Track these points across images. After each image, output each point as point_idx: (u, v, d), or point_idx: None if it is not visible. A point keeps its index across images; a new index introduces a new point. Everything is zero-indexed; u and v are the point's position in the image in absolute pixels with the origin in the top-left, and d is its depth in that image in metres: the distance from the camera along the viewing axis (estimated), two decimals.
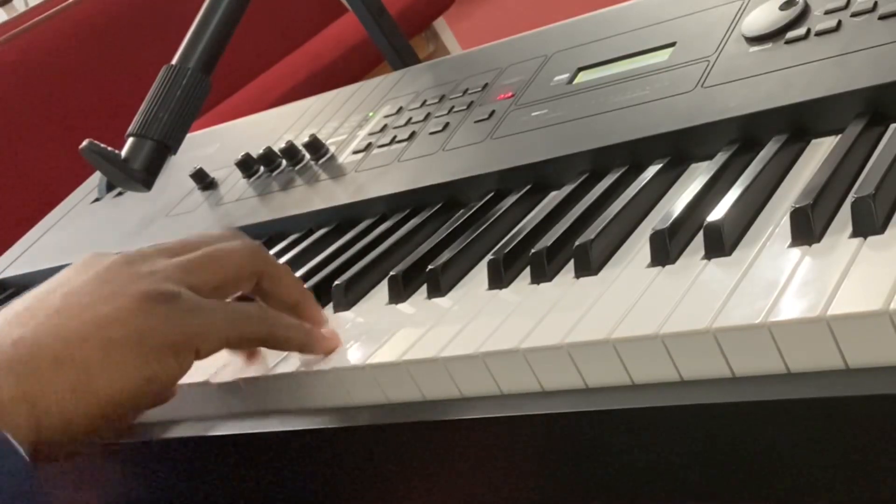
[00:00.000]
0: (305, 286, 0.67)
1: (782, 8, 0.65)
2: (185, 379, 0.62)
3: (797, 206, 0.49)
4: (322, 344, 0.59)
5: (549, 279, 0.56)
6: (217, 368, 0.64)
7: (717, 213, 0.52)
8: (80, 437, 0.52)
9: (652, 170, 0.62)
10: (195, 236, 0.61)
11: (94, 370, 0.52)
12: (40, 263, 1.09)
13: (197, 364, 0.61)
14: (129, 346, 0.52)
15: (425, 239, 0.69)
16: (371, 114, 0.91)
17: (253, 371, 0.62)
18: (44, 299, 0.54)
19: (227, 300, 0.60)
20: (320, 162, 0.88)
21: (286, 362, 0.61)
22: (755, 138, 0.60)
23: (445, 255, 0.63)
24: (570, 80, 0.74)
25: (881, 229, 0.46)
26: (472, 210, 0.70)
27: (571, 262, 0.56)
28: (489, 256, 0.60)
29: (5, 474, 0.47)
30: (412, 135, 0.82)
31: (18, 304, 0.55)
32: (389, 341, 0.57)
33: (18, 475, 0.48)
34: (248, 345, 0.59)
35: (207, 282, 0.57)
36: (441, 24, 2.88)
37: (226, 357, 0.64)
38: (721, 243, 0.51)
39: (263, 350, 0.63)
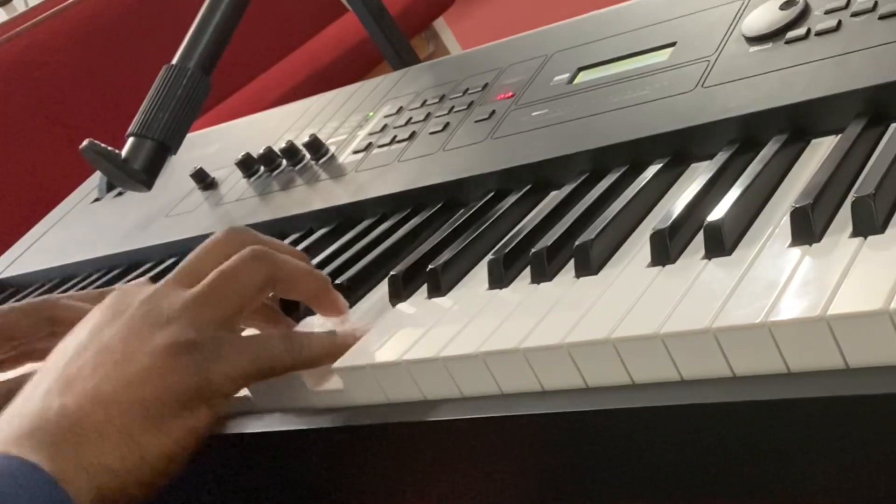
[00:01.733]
0: None
1: (782, 8, 0.65)
2: None
3: (797, 206, 0.49)
4: (348, 347, 0.59)
5: (550, 279, 0.56)
6: None
7: (717, 212, 0.52)
8: (138, 496, 0.53)
9: (652, 170, 0.62)
10: (202, 251, 0.61)
11: (137, 435, 0.53)
12: (40, 263, 1.09)
13: None
14: (163, 405, 0.53)
15: (425, 239, 0.69)
16: (371, 114, 0.91)
17: None
18: (78, 358, 0.55)
19: (253, 331, 0.60)
20: (320, 162, 0.88)
21: None
22: (755, 138, 0.60)
23: (445, 255, 0.63)
24: (570, 80, 0.74)
25: (881, 229, 0.46)
26: (472, 210, 0.70)
27: (571, 262, 0.56)
28: (489, 256, 0.60)
29: None
30: (412, 135, 0.82)
31: (57, 364, 0.56)
32: (389, 341, 0.57)
33: None
34: (276, 374, 0.59)
35: (225, 310, 0.57)
36: (441, 24, 2.88)
37: None
38: (721, 243, 0.51)
39: None
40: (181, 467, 0.55)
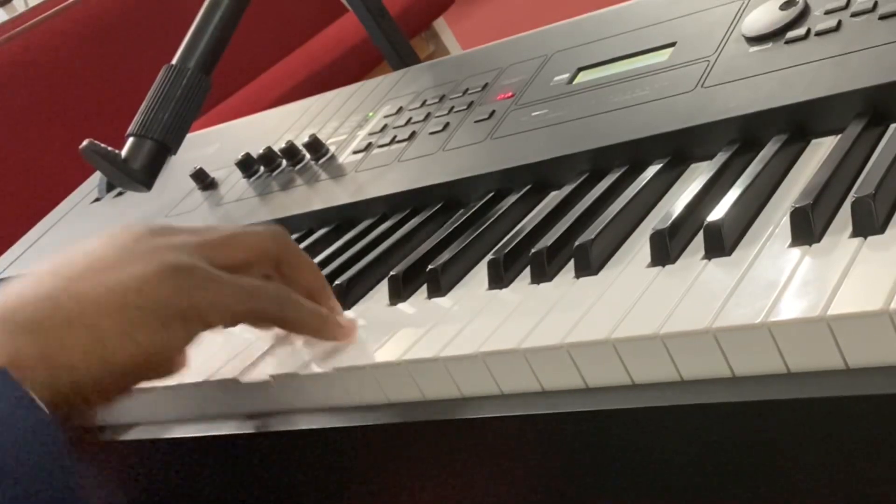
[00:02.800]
0: None
1: (782, 8, 0.65)
2: (185, 378, 0.62)
3: (797, 206, 0.49)
4: (337, 331, 0.60)
5: (549, 279, 0.56)
6: (217, 368, 0.64)
7: (717, 213, 0.52)
8: (90, 401, 0.53)
9: (652, 170, 0.62)
10: (223, 226, 0.62)
11: (106, 334, 0.53)
12: (40, 264, 1.09)
13: (197, 364, 0.61)
14: (141, 314, 0.53)
15: (425, 239, 0.69)
16: (371, 114, 0.91)
17: (253, 372, 0.62)
18: (68, 264, 0.56)
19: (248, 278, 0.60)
20: (320, 162, 0.88)
21: (286, 362, 0.61)
22: (755, 138, 0.60)
23: (445, 255, 0.63)
24: (570, 80, 0.74)
25: (881, 229, 0.46)
26: (472, 210, 0.70)
27: (571, 262, 0.56)
28: (489, 256, 0.60)
29: (29, 430, 0.48)
30: (412, 135, 0.82)
31: (45, 266, 0.56)
32: (389, 341, 0.57)
33: (42, 432, 0.49)
34: (260, 323, 0.60)
35: (227, 259, 0.58)
36: (441, 24, 2.88)
37: (225, 357, 0.65)
38: (721, 243, 0.51)
39: (265, 352, 0.63)
40: (138, 384, 0.55)
